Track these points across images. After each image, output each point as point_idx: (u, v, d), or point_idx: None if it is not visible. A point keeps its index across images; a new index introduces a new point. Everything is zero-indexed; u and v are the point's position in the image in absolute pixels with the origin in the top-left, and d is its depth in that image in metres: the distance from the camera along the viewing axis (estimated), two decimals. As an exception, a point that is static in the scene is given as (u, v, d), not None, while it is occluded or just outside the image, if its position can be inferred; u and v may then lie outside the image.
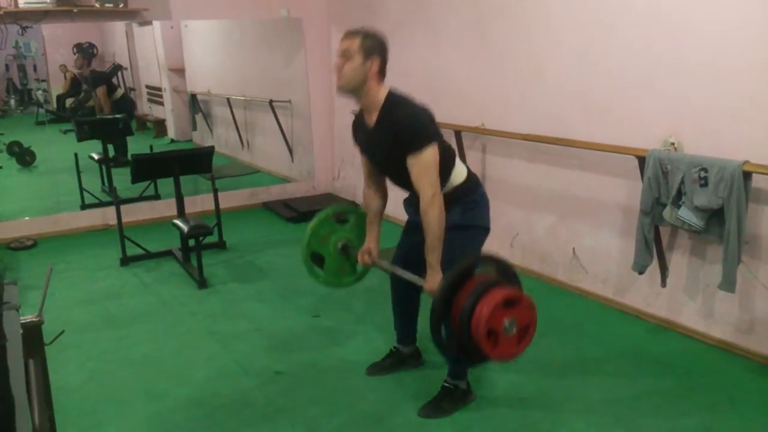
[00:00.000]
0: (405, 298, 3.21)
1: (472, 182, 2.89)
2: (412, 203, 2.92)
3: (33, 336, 1.68)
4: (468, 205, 2.84)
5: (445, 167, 2.74)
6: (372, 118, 2.76)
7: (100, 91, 7.48)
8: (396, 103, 2.71)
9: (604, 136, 3.80)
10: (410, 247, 3.03)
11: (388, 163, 2.84)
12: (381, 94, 2.71)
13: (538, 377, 3.24)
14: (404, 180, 2.75)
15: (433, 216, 2.64)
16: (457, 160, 2.88)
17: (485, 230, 2.92)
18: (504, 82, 4.54)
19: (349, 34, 2.68)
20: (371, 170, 3.02)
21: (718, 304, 3.45)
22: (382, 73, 2.71)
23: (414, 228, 2.91)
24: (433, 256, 2.67)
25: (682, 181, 3.26)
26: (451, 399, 2.96)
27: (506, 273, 2.64)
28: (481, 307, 2.39)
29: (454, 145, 4.21)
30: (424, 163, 2.62)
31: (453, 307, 2.49)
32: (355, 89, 2.70)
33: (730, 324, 3.41)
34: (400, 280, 3.14)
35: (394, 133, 2.65)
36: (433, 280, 2.66)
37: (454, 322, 2.51)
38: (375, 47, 2.67)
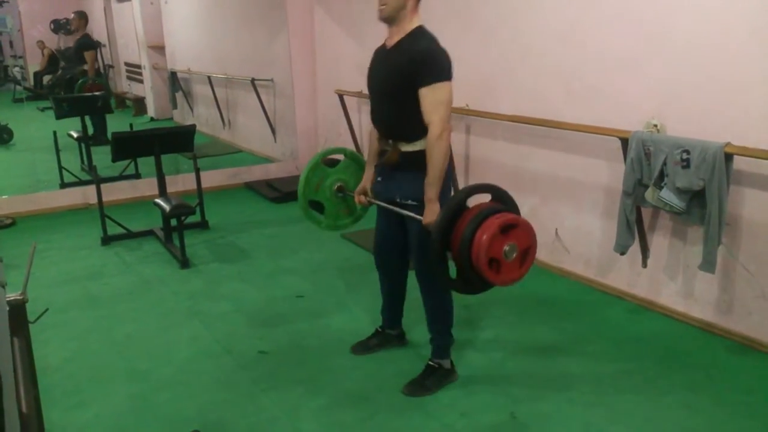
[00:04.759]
0: (394, 283, 3.21)
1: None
2: (383, 133, 2.88)
3: (17, 314, 1.65)
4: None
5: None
6: (393, 41, 2.77)
7: (90, 55, 7.39)
8: (423, 35, 2.73)
9: (589, 117, 3.81)
10: (387, 234, 3.07)
11: (387, 86, 2.79)
12: (412, 23, 2.74)
13: (521, 356, 3.27)
14: (391, 111, 2.76)
15: (439, 151, 2.64)
16: None
17: None
18: (489, 63, 4.53)
19: None
20: None
21: (698, 285, 3.50)
22: (419, 0, 2.74)
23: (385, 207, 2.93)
24: (433, 190, 2.68)
25: (664, 162, 3.28)
26: (435, 377, 2.98)
27: (502, 199, 2.67)
28: (479, 237, 2.41)
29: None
30: (439, 96, 2.63)
31: (452, 238, 2.51)
32: (394, 15, 2.71)
33: (709, 304, 3.46)
34: (387, 266, 3.16)
35: (411, 60, 2.65)
36: (432, 212, 2.66)
37: (453, 254, 2.52)
38: None
